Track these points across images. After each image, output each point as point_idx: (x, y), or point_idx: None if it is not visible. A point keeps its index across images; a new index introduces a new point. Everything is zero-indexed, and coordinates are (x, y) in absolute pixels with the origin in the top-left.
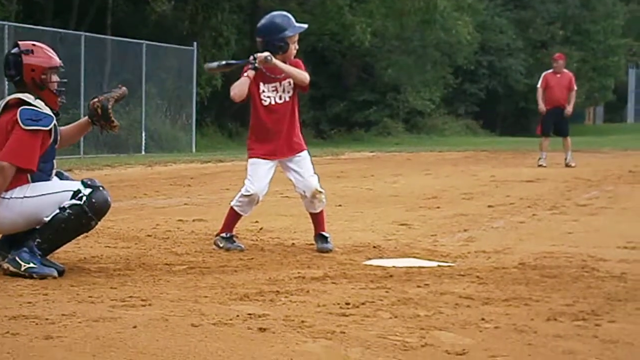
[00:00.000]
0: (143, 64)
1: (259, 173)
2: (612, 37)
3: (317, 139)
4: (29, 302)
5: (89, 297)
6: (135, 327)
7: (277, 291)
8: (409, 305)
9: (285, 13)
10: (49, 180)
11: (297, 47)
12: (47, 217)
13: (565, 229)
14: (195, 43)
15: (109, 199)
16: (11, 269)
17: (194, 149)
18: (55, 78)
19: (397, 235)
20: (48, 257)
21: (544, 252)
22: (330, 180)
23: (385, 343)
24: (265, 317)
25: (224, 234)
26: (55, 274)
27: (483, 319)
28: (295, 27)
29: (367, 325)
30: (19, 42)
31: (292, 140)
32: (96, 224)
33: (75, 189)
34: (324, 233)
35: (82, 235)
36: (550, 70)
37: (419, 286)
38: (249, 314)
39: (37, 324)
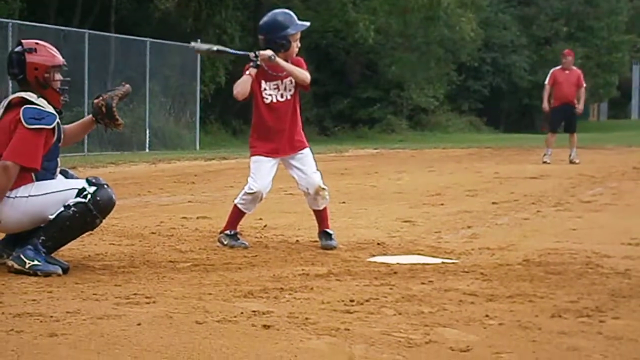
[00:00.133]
0: (147, 62)
1: (262, 171)
2: (616, 34)
3: (320, 136)
4: (34, 300)
5: (94, 294)
6: (139, 324)
7: (281, 288)
8: (413, 302)
9: (287, 11)
10: (53, 178)
11: (299, 45)
12: (51, 215)
13: (569, 226)
14: (199, 40)
15: (114, 197)
16: (15, 266)
17: (197, 147)
18: (58, 76)
19: (401, 232)
20: (52, 254)
21: (548, 248)
22: (334, 177)
23: (389, 340)
24: (270, 314)
25: (228, 232)
26: (60, 271)
27: (487, 316)
28: (298, 25)
29: (371, 322)
30: (22, 41)
31: (294, 138)
32: (101, 222)
33: (80, 187)
34: (328, 230)
35: (86, 233)
36: (559, 67)
37: (423, 283)
38: (253, 311)
39: (41, 321)
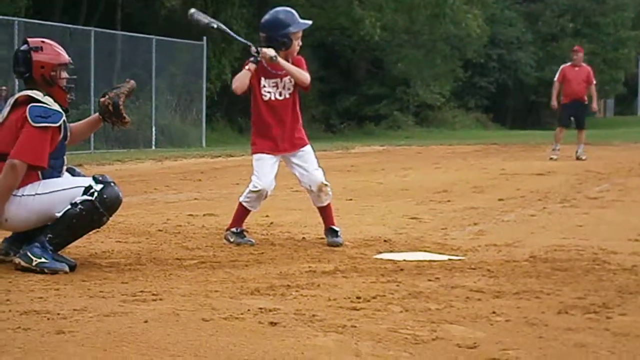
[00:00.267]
0: (153, 59)
1: (265, 168)
2: (622, 30)
3: (327, 133)
4: (41, 297)
5: (100, 292)
6: (146, 321)
7: (288, 285)
8: (419, 299)
9: (289, 9)
10: (59, 176)
11: (300, 43)
12: (58, 212)
13: (576, 222)
14: (204, 38)
15: (121, 194)
16: (23, 264)
17: (204, 144)
18: (64, 75)
19: (408, 229)
20: (59, 252)
21: (554, 245)
22: (341, 174)
23: (396, 337)
24: (276, 311)
25: (234, 229)
26: (67, 269)
27: (494, 312)
28: (300, 23)
29: (378, 319)
30: (28, 39)
31: (294, 136)
32: (108, 219)
33: (87, 185)
34: (334, 227)
35: (93, 231)
36: (568, 64)
37: (429, 280)
38: (260, 308)
39: (48, 319)
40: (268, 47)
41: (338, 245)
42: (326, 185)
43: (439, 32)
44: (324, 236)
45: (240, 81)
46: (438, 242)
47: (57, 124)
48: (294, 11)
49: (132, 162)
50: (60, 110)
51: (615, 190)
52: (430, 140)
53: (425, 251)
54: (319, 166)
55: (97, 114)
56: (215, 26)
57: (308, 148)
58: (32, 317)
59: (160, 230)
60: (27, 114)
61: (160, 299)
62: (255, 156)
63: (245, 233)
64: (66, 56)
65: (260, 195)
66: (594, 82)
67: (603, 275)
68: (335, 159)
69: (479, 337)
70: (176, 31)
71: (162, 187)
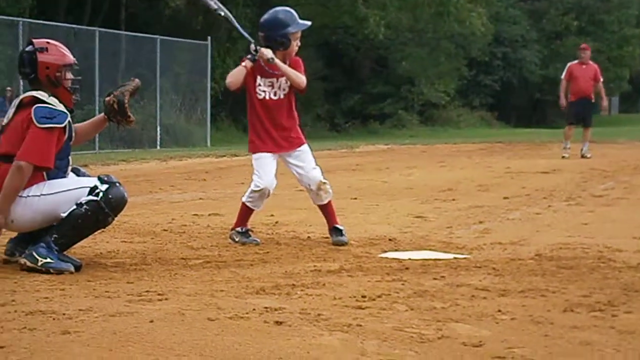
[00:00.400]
0: (157, 59)
1: (266, 167)
2: (626, 27)
3: (331, 132)
4: (46, 297)
5: (106, 292)
6: (152, 321)
7: (293, 284)
8: (425, 298)
9: (288, 9)
10: (64, 177)
11: (299, 44)
12: (64, 213)
13: (581, 220)
14: (209, 37)
15: (126, 195)
16: (28, 264)
17: (208, 144)
18: (69, 75)
19: (413, 228)
20: (65, 252)
21: (560, 243)
22: (345, 173)
23: (401, 335)
24: (282, 310)
25: (239, 229)
26: (72, 269)
27: (499, 311)
28: (299, 24)
29: (383, 318)
30: (33, 40)
31: (291, 135)
32: (113, 219)
33: (92, 185)
34: (337, 226)
35: (98, 231)
36: (575, 61)
37: (435, 278)
38: (265, 308)
39: (54, 319)
40: (267, 46)
41: (343, 244)
42: (325, 183)
43: (443, 30)
44: (329, 235)
45: (235, 77)
46: (443, 241)
47: (62, 125)
48: (293, 11)
49: (137, 162)
50: (65, 110)
51: (621, 188)
52: (434, 139)
53: (430, 250)
54: (317, 165)
55: (102, 114)
56: (222, 14)
57: (305, 147)
58: (37, 317)
59: (165, 230)
60: (32, 115)
61: (166, 299)
62: (255, 155)
63: (250, 232)
64: (71, 57)
65: (262, 194)
66: (601, 79)
67: (608, 273)
68: (340, 158)
69: (484, 336)
70: (180, 31)
71: (167, 187)
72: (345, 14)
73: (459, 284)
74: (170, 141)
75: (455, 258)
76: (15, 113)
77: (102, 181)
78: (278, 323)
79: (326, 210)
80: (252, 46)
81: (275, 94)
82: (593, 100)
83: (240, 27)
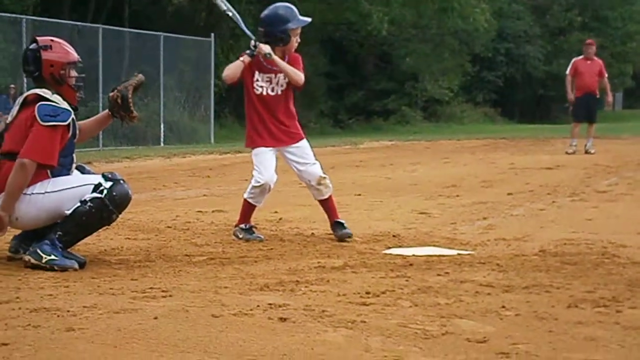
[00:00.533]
0: (161, 56)
1: (265, 162)
2: (630, 23)
3: (335, 128)
4: (50, 295)
5: (110, 288)
6: (156, 318)
7: (297, 281)
8: (429, 294)
9: (289, 5)
10: (69, 174)
11: (299, 40)
12: (68, 210)
13: (585, 216)
14: (212, 34)
15: (130, 192)
16: (32, 261)
17: (212, 140)
18: (73, 73)
19: (417, 224)
20: (69, 249)
21: (564, 239)
22: (349, 169)
23: (406, 332)
24: (286, 307)
25: (242, 225)
26: (77, 266)
27: (504, 307)
28: (299, 20)
29: (387, 314)
30: (37, 38)
31: (290, 130)
32: (117, 217)
33: (96, 183)
34: (339, 220)
35: (102, 228)
36: (580, 57)
37: (439, 274)
38: (270, 304)
39: (58, 316)
40: (266, 42)
41: (349, 236)
42: (324, 177)
43: (447, 26)
44: (331, 231)
45: (232, 71)
46: (447, 237)
47: (66, 122)
48: (293, 7)
49: (141, 159)
50: (69, 108)
51: (625, 184)
52: (438, 135)
53: (434, 246)
54: (317, 160)
55: (106, 110)
56: (230, 14)
57: (304, 142)
58: (42, 314)
59: (169, 227)
60: (36, 112)
61: (170, 296)
62: (254, 151)
63: (254, 229)
64: (75, 54)
65: (263, 189)
66: (606, 75)
67: (613, 268)
68: (344, 154)
69: (488, 332)
70: (184, 27)
71: (171, 184)
72: (348, 10)
73: (463, 280)
74: (174, 138)
75: (459, 254)
76: (19, 111)
77: (106, 178)
78: (282, 319)
79: (327, 205)
80: (252, 42)
81: (272, 90)
82: (598, 96)
83: (246, 28)
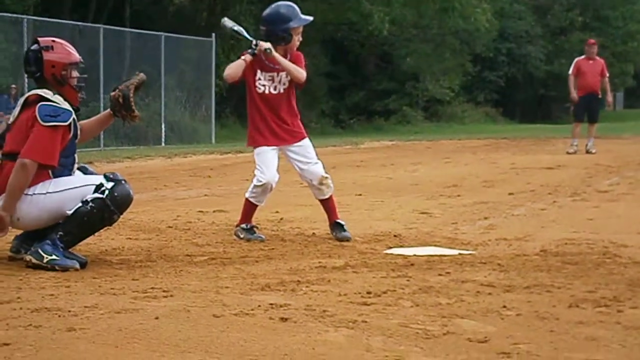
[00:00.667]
0: (162, 56)
1: (267, 161)
2: (631, 23)
3: (336, 128)
4: (52, 295)
5: (111, 288)
6: (157, 318)
7: (298, 281)
8: (430, 294)
9: (291, 4)
10: (70, 174)
11: (300, 39)
12: (69, 210)
13: (586, 216)
14: (213, 34)
15: (131, 192)
16: (33, 261)
17: (213, 140)
18: (75, 74)
19: (418, 224)
20: (70, 249)
21: (565, 238)
22: (350, 169)
23: (407, 332)
24: (287, 306)
25: (243, 225)
26: (78, 266)
27: (505, 307)
28: (301, 19)
29: (388, 314)
30: (39, 38)
31: (292, 129)
32: (118, 217)
33: (98, 183)
34: (339, 221)
35: (104, 228)
36: (582, 57)
37: (440, 274)
38: (271, 304)
39: (59, 316)
40: (268, 41)
41: (347, 239)
42: (326, 177)
43: (448, 26)
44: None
45: (233, 70)
46: (448, 237)
47: (67, 123)
48: (295, 6)
49: (142, 159)
50: (70, 108)
51: (626, 184)
52: (439, 135)
53: (435, 246)
54: (318, 159)
55: (108, 110)
56: (236, 28)
57: (306, 141)
58: (43, 314)
59: (170, 227)
60: (37, 113)
61: (171, 296)
62: (256, 150)
63: (255, 229)
64: (77, 55)
65: (265, 188)
66: (607, 74)
67: (614, 268)
68: (345, 154)
69: (489, 332)
70: (185, 27)
71: (172, 184)
72: (349, 10)
73: (464, 280)
74: (175, 138)
75: (460, 254)
76: (20, 111)
77: (108, 179)
78: (283, 319)
79: (328, 205)
80: (253, 42)
81: (275, 88)
82: (600, 96)
83: (248, 35)
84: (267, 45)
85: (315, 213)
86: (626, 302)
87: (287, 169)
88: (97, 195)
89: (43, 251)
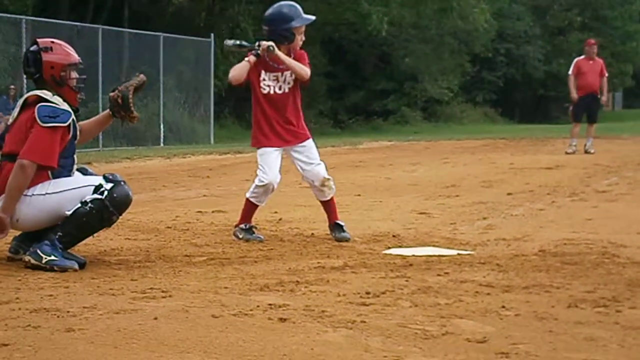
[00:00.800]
0: (160, 56)
1: (270, 162)
2: (629, 23)
3: (335, 128)
4: (50, 295)
5: (110, 289)
6: (156, 318)
7: (297, 281)
8: (429, 294)
9: (293, 3)
10: (69, 175)
11: (303, 38)
12: (68, 211)
13: (585, 216)
14: (212, 34)
15: (130, 193)
16: (32, 261)
17: (212, 141)
18: (74, 75)
19: (417, 224)
20: (69, 250)
21: (564, 239)
22: (349, 169)
23: (405, 332)
24: (286, 307)
25: (243, 226)
26: (76, 266)
27: (503, 307)
28: (303, 18)
29: (387, 314)
30: (38, 40)
31: (296, 130)
32: (117, 218)
33: (97, 184)
34: (338, 222)
35: (102, 229)
36: (582, 57)
37: (438, 275)
38: (269, 305)
39: (58, 316)
40: (271, 41)
41: (346, 240)
42: (328, 179)
43: (447, 26)
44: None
45: (238, 72)
46: (447, 237)
47: (66, 124)
48: (297, 5)
49: (141, 160)
50: (69, 109)
51: (624, 184)
52: (438, 135)
53: (434, 246)
54: (321, 160)
55: (107, 110)
56: (237, 43)
57: (310, 142)
58: (42, 314)
59: (169, 227)
60: (36, 114)
61: (170, 296)
62: (259, 151)
63: (254, 229)
64: (76, 56)
65: (267, 189)
66: (606, 74)
67: (612, 268)
68: (344, 154)
69: (488, 332)
70: (183, 28)
71: (171, 184)
72: (348, 10)
73: (462, 280)
74: (174, 138)
75: (459, 254)
76: (20, 112)
77: (107, 180)
78: (282, 320)
79: (328, 206)
80: (256, 43)
81: (280, 88)
82: (599, 96)
83: (249, 44)
84: (269, 43)
85: (314, 213)
86: (625, 302)
87: (287, 169)
88: (96, 196)
89: (42, 252)
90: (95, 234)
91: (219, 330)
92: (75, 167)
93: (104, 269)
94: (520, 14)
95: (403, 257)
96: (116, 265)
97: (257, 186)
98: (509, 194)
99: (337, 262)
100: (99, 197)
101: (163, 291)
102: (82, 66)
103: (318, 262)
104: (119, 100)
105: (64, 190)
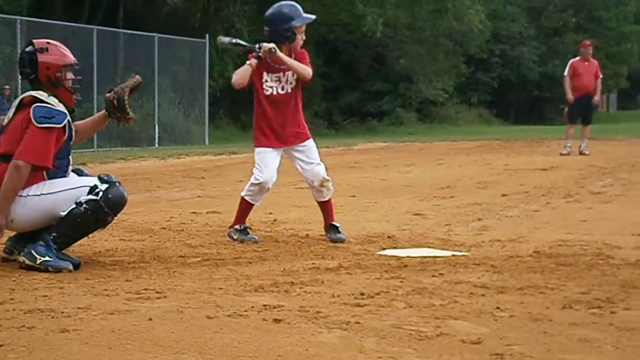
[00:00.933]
0: (155, 57)
1: (267, 161)
2: (624, 24)
3: (329, 129)
4: (45, 296)
5: (104, 290)
6: (150, 319)
7: (292, 282)
8: (423, 295)
9: (293, 3)
10: (65, 176)
11: (304, 37)
12: (63, 212)
13: (579, 217)
14: (207, 35)
15: (125, 194)
16: (27, 262)
17: (207, 142)
18: (70, 75)
19: (411, 225)
20: (63, 250)
21: (558, 240)
22: (344, 170)
23: (400, 333)
24: (280, 308)
25: (237, 226)
26: (71, 267)
27: (498, 308)
28: (303, 17)
29: (382, 315)
30: (34, 40)
31: (297, 130)
32: (112, 219)
33: (92, 185)
34: (334, 223)
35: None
36: (577, 58)
37: (433, 276)
38: (264, 305)
39: (52, 317)
40: (272, 41)
41: (341, 241)
42: (327, 180)
43: (441, 27)
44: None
45: (240, 76)
46: (442, 238)
47: (61, 125)
48: (297, 5)
49: (136, 161)
50: (65, 110)
51: (619, 185)
52: (433, 136)
53: (428, 247)
54: (321, 161)
55: (102, 111)
56: (234, 41)
57: (310, 142)
58: (36, 315)
59: (163, 228)
60: (31, 114)
61: (164, 297)
62: (257, 150)
63: (248, 230)
64: (71, 57)
65: (262, 187)
66: (600, 76)
67: (607, 270)
68: (338, 155)
69: (483, 333)
70: (178, 29)
71: (166, 185)
72: (342, 11)
73: (457, 282)
74: (169, 139)
75: (453, 255)
76: (15, 113)
77: (102, 180)
78: (277, 321)
79: (325, 207)
80: (257, 45)
81: (282, 89)
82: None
83: (247, 43)
84: (271, 45)
85: (309, 214)
86: (619, 303)
87: (282, 170)
88: (91, 197)
89: (36, 252)
90: (90, 235)
91: (213, 331)
92: (70, 168)
93: (99, 270)
94: (515, 15)
95: (398, 258)
96: (111, 266)
97: (252, 184)
98: (503, 195)
99: (332, 263)
100: (94, 198)
101: (157, 292)
102: (78, 67)
103: (313, 263)
104: (115, 102)
105: (59, 191)
